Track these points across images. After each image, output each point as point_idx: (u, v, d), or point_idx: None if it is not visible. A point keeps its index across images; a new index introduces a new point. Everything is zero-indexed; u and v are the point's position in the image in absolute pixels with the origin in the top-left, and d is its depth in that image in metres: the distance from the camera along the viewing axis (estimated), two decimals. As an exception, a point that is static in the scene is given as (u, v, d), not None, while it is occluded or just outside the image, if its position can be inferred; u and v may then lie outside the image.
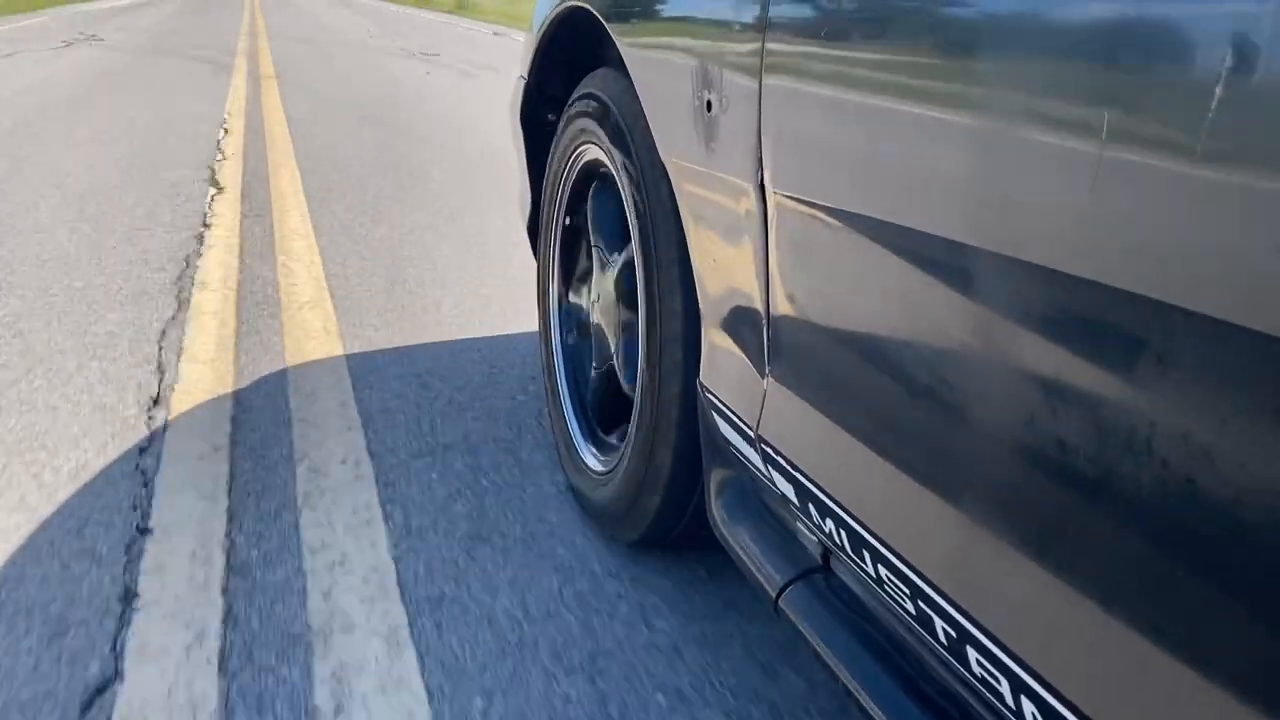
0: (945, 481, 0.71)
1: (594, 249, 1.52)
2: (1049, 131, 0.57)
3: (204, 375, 1.96)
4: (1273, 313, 0.46)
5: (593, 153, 1.41)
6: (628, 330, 1.38)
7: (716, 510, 1.14)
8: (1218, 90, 0.46)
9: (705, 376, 1.12)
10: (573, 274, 1.65)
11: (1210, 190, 0.47)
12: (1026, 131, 0.59)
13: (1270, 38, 0.45)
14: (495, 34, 13.04)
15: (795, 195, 0.87)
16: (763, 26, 0.88)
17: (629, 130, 1.24)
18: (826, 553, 0.96)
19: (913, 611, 0.77)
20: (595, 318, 1.51)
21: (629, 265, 1.35)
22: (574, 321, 1.65)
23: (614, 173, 1.31)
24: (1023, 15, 0.60)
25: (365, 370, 2.02)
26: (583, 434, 1.53)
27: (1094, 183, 0.53)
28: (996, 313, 0.64)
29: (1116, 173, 0.52)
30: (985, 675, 0.69)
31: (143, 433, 1.71)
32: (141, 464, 1.60)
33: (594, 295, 1.51)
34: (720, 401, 1.08)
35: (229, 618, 1.24)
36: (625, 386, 1.41)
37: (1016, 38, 0.60)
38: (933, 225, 0.69)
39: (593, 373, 1.54)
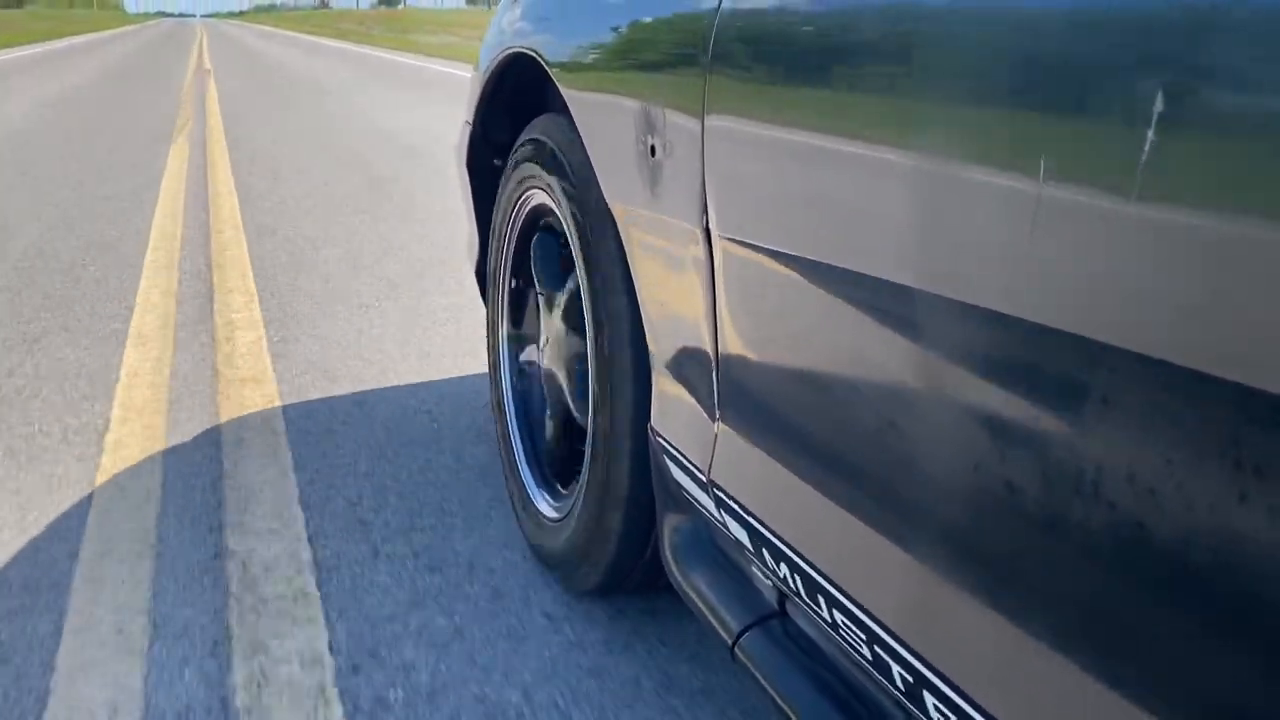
0: (897, 526, 0.71)
1: (541, 293, 1.51)
2: (990, 173, 0.57)
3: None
4: (1213, 353, 0.46)
5: (539, 198, 1.40)
6: (578, 374, 1.37)
7: (671, 555, 1.12)
8: (1150, 134, 0.47)
9: (656, 421, 1.11)
10: (522, 318, 1.64)
11: (1148, 232, 0.48)
12: (968, 173, 0.59)
13: (1204, 81, 0.46)
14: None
15: (740, 239, 0.87)
16: (704, 72, 0.89)
17: (574, 175, 1.24)
18: (782, 598, 0.95)
19: (869, 657, 0.77)
20: (545, 362, 1.50)
21: (577, 309, 1.34)
22: (524, 366, 1.64)
23: (560, 217, 1.31)
24: (964, 57, 0.60)
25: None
26: (535, 480, 1.51)
27: (1034, 225, 0.54)
28: (944, 356, 0.64)
29: (1056, 215, 0.53)
30: (943, 721, 0.68)
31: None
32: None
33: (543, 339, 1.50)
34: (671, 446, 1.07)
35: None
36: (577, 430, 1.40)
37: (958, 80, 0.61)
38: (876, 269, 0.69)
39: (545, 417, 1.53)
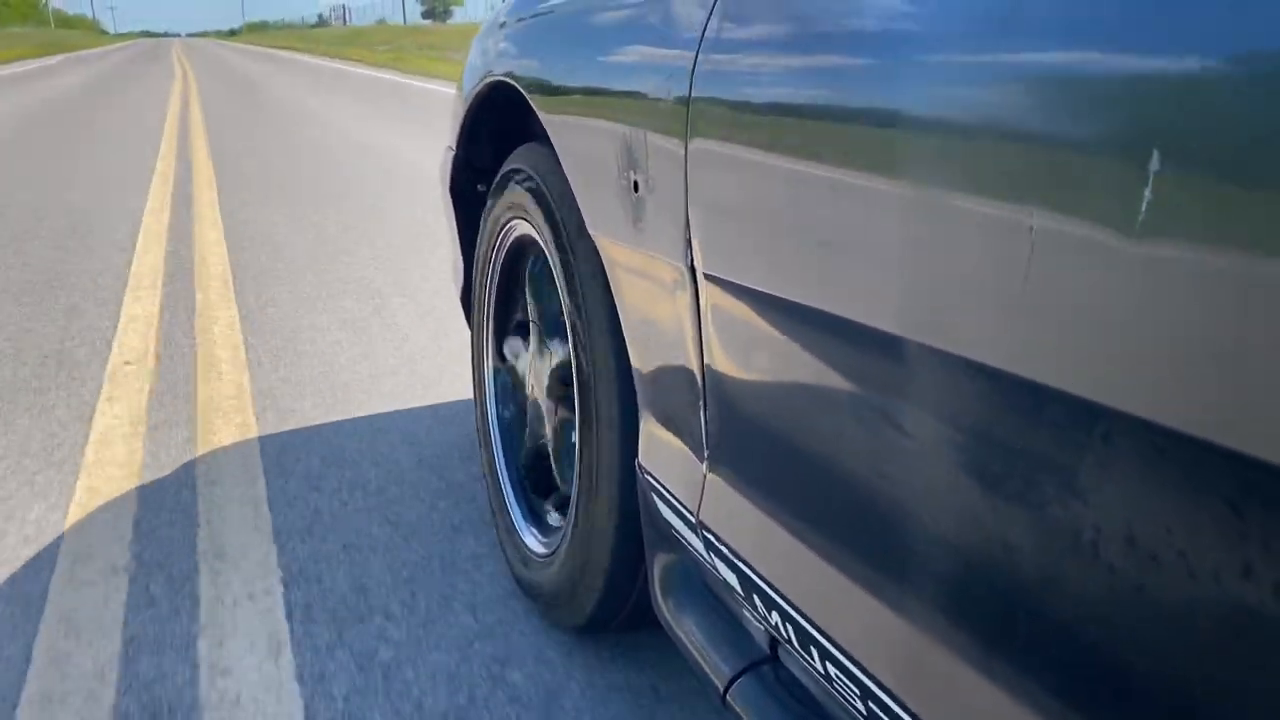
0: (888, 577, 0.69)
1: (523, 325, 1.49)
2: (985, 213, 0.55)
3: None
4: (1213, 422, 0.44)
5: (522, 228, 1.38)
6: (564, 407, 1.35)
7: (660, 596, 1.10)
8: (1147, 190, 0.45)
9: (644, 457, 1.09)
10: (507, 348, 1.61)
11: (1147, 285, 0.46)
12: (961, 214, 0.57)
13: (1201, 133, 0.44)
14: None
15: (725, 278, 0.84)
16: (687, 104, 0.87)
17: (557, 207, 1.22)
18: (774, 643, 0.93)
19: (864, 712, 0.74)
20: (531, 393, 1.47)
21: (563, 341, 1.32)
22: (510, 396, 1.61)
23: (544, 248, 1.29)
24: (956, 98, 0.58)
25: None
26: (523, 514, 1.49)
27: (1029, 270, 0.52)
28: (934, 406, 0.62)
29: (1052, 260, 0.51)
30: (941, 783, 0.66)
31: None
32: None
33: (529, 371, 1.48)
34: (660, 484, 1.04)
35: None
36: (560, 472, 1.37)
37: (951, 116, 0.59)
38: (864, 312, 0.67)
39: (532, 450, 1.50)
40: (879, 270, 0.65)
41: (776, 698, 0.89)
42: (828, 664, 0.78)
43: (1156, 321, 0.46)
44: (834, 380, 0.72)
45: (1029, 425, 0.55)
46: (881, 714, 0.71)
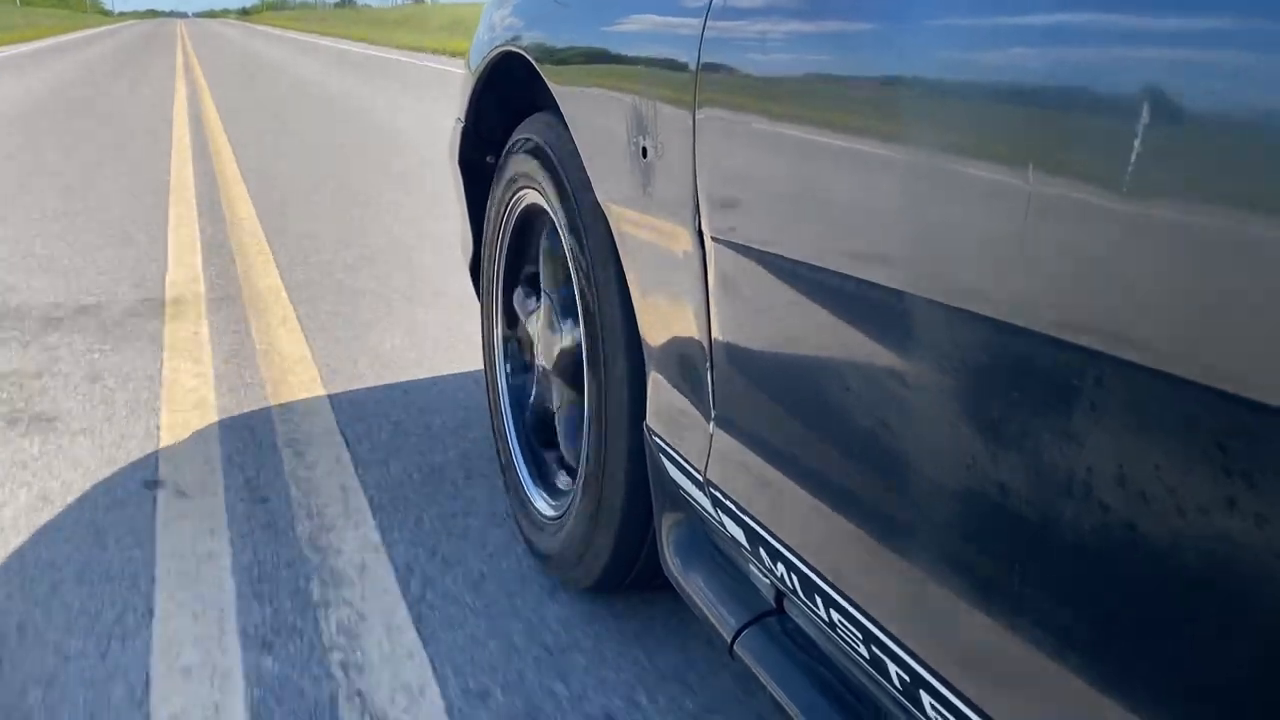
0: (893, 526, 0.71)
1: (533, 292, 1.51)
2: (986, 172, 0.57)
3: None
4: (1204, 360, 0.46)
5: (532, 197, 1.40)
6: (573, 371, 1.37)
7: (669, 554, 1.13)
8: (1140, 135, 0.47)
9: (652, 419, 1.11)
10: (516, 316, 1.64)
11: (1144, 237, 0.48)
12: (964, 173, 0.59)
13: (1192, 81, 0.46)
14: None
15: (732, 240, 0.87)
16: (695, 71, 0.89)
17: (567, 175, 1.24)
18: (780, 595, 0.96)
19: (866, 656, 0.77)
20: (540, 360, 1.50)
21: (572, 308, 1.34)
22: (519, 363, 1.64)
23: (553, 217, 1.31)
24: (960, 54, 0.60)
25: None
26: (532, 479, 1.51)
27: (1030, 227, 0.54)
28: (937, 360, 0.64)
29: (1052, 217, 0.53)
30: (940, 720, 0.69)
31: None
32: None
33: (538, 338, 1.50)
34: (667, 445, 1.07)
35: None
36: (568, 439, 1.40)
37: (954, 78, 0.61)
38: (869, 271, 0.69)
39: (541, 416, 1.53)
40: (882, 229, 0.67)
41: (782, 647, 0.92)
42: (832, 611, 0.80)
43: (1145, 270, 0.48)
44: (838, 338, 0.75)
45: (1028, 376, 0.57)
46: (884, 656, 0.74)
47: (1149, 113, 0.47)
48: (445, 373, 2.30)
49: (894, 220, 0.65)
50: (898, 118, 0.65)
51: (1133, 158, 0.47)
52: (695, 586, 1.07)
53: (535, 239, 1.51)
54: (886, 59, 0.67)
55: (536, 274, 1.50)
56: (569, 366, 1.38)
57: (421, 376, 2.28)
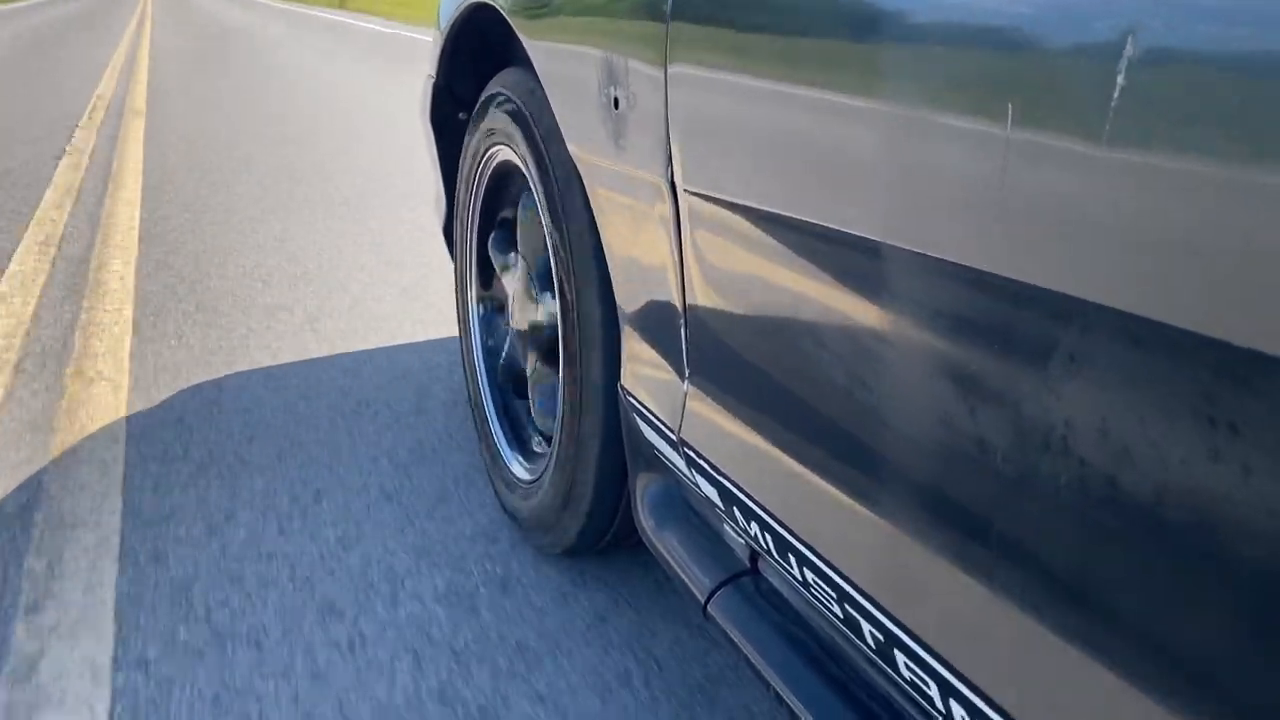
0: (867, 484, 0.70)
1: (501, 251, 1.48)
2: (963, 123, 0.55)
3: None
4: (1187, 308, 0.44)
5: (505, 153, 1.37)
6: (548, 331, 1.35)
7: (643, 515, 1.11)
8: (1120, 80, 0.45)
9: (626, 380, 1.09)
10: (492, 277, 1.61)
11: (1122, 186, 0.46)
12: (940, 123, 0.57)
13: (1175, 25, 0.44)
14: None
15: (706, 193, 0.84)
16: (665, 19, 0.86)
17: (539, 129, 1.21)
18: (754, 555, 0.95)
19: (840, 615, 0.76)
20: (515, 322, 1.48)
21: (546, 266, 1.32)
22: (494, 325, 1.62)
23: (526, 173, 1.28)
24: (932, 2, 0.58)
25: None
26: (508, 442, 1.50)
27: (1007, 177, 0.52)
28: (914, 312, 0.63)
29: (1030, 166, 0.51)
30: (914, 679, 0.68)
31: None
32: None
33: (512, 298, 1.48)
34: (642, 405, 1.05)
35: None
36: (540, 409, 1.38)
37: (931, 27, 0.58)
38: (843, 222, 0.67)
39: (516, 377, 1.51)
40: (858, 179, 0.65)
41: (756, 607, 0.91)
42: (805, 570, 0.79)
43: (1126, 217, 0.46)
44: (813, 291, 0.73)
45: (1006, 325, 0.55)
46: (857, 615, 0.73)
47: (1129, 57, 0.45)
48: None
49: (869, 169, 0.63)
50: (872, 66, 0.63)
51: (1113, 102, 0.46)
52: (669, 547, 1.05)
53: (509, 196, 1.48)
54: (860, 6, 0.65)
55: (512, 224, 1.48)
56: (543, 328, 1.36)
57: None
